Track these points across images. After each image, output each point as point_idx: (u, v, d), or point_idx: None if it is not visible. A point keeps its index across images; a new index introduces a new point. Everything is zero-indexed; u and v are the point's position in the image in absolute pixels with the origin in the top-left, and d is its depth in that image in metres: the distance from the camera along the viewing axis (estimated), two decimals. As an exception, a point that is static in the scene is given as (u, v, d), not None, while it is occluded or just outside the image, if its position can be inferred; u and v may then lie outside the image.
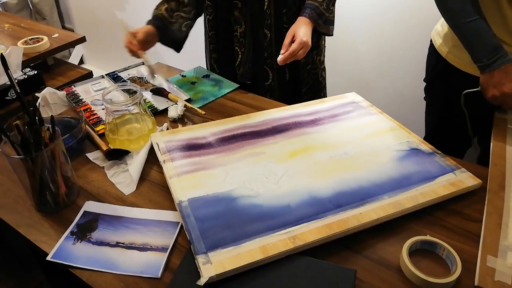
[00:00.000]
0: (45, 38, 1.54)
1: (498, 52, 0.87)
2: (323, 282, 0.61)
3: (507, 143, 0.89)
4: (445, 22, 1.08)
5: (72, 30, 3.10)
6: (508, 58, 0.87)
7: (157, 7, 1.18)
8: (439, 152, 0.86)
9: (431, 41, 1.17)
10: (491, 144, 0.89)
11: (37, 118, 0.75)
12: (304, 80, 1.26)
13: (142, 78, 1.24)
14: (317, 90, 1.32)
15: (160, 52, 2.61)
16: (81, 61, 3.11)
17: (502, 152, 0.86)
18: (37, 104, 1.00)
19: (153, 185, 0.83)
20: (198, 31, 2.36)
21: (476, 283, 0.62)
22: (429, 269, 0.64)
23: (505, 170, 0.81)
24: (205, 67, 1.33)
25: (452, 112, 1.13)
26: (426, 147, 0.88)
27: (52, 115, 0.77)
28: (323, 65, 1.32)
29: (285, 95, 1.24)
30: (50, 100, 1.04)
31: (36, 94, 1.04)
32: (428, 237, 0.67)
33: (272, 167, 0.82)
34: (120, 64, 1.33)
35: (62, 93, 1.09)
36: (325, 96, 1.36)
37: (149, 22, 1.14)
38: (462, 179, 0.78)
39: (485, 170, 0.82)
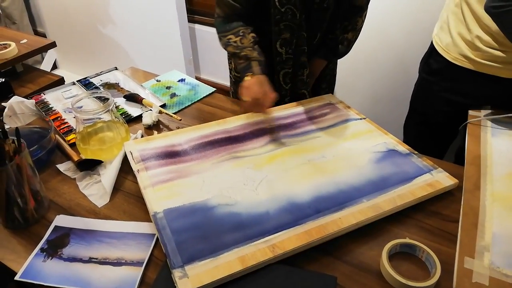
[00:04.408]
0: (13, 44, 1.48)
1: None
2: (304, 291, 0.60)
3: (481, 141, 0.90)
4: (454, 30, 1.05)
5: (44, 35, 3.01)
6: None
7: (243, 44, 0.99)
8: (416, 152, 0.86)
9: (432, 43, 1.16)
10: (466, 142, 0.90)
11: (0, 131, 0.71)
12: (325, 77, 1.26)
13: (117, 83, 1.21)
14: (332, 84, 1.33)
15: (131, 56, 2.56)
16: (54, 66, 3.02)
17: (477, 151, 0.87)
18: (3, 114, 0.96)
19: (128, 196, 0.80)
20: (173, 34, 2.33)
21: (454, 286, 0.62)
22: (409, 272, 0.64)
23: (480, 169, 0.82)
24: (179, 71, 1.30)
25: (446, 106, 1.13)
26: (402, 147, 0.88)
27: (16, 127, 0.74)
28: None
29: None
30: (18, 110, 1.00)
31: (3, 104, 1.00)
32: (407, 240, 0.67)
33: (250, 173, 0.80)
34: (96, 69, 1.29)
35: (31, 102, 1.04)
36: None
37: (257, 71, 0.96)
38: (439, 179, 0.79)
39: (462, 169, 0.83)
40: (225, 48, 1.04)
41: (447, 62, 1.04)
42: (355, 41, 1.14)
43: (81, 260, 0.67)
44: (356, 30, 1.11)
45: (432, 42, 1.13)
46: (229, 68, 1.27)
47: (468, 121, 0.97)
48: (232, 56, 1.03)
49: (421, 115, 1.20)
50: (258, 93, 0.92)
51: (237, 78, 1.24)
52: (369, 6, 1.09)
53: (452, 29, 1.02)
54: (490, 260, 0.64)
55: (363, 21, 1.11)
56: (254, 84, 0.93)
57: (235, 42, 0.99)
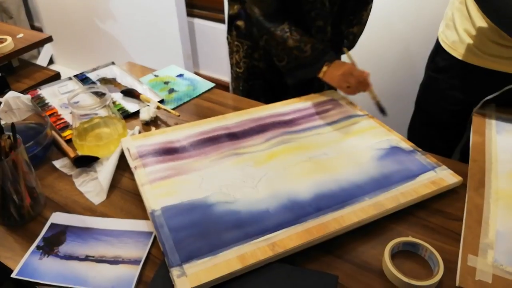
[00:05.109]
0: (9, 39, 1.46)
1: None
2: (305, 290, 0.59)
3: (486, 138, 0.89)
4: (460, 27, 1.03)
5: (41, 29, 2.98)
6: None
7: (299, 35, 0.99)
8: (420, 149, 0.85)
9: (437, 41, 1.14)
10: (470, 140, 0.89)
11: (-5, 126, 0.70)
12: None
13: (114, 78, 1.19)
14: None
15: (129, 51, 2.54)
16: (51, 61, 3.00)
17: (481, 148, 0.86)
18: (-2, 110, 0.95)
19: (125, 193, 0.79)
20: (171, 28, 2.31)
21: (457, 284, 0.61)
22: (412, 271, 0.63)
23: (485, 166, 0.81)
24: (178, 66, 1.29)
25: (454, 104, 1.11)
26: (406, 145, 0.86)
27: (12, 122, 0.72)
28: None
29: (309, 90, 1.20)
30: (14, 105, 0.98)
31: (-2, 99, 0.98)
32: (410, 238, 0.66)
33: (249, 170, 0.79)
34: (93, 64, 1.28)
35: (27, 97, 1.03)
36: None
37: (334, 57, 1.00)
38: (443, 176, 0.77)
39: (466, 166, 0.82)
40: (284, 42, 0.99)
41: (454, 59, 1.03)
42: (360, 35, 1.13)
43: (77, 258, 0.66)
44: (361, 24, 1.09)
45: (437, 40, 1.11)
46: (230, 64, 1.25)
47: (473, 113, 0.97)
48: (292, 49, 0.99)
49: (427, 115, 1.19)
50: (359, 76, 0.95)
51: (239, 74, 1.22)
52: (374, 4, 1.08)
53: (458, 26, 1.00)
54: (493, 258, 0.63)
55: (368, 15, 1.10)
56: (350, 69, 0.96)
57: (287, 36, 0.98)
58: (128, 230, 0.71)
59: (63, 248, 0.67)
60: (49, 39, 1.59)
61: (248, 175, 0.77)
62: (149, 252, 0.66)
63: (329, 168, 0.80)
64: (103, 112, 0.87)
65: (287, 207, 0.70)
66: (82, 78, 1.18)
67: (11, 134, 0.71)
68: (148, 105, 1.03)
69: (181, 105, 1.08)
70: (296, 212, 0.69)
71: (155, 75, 1.23)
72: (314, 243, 0.66)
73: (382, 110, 0.98)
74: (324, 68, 0.99)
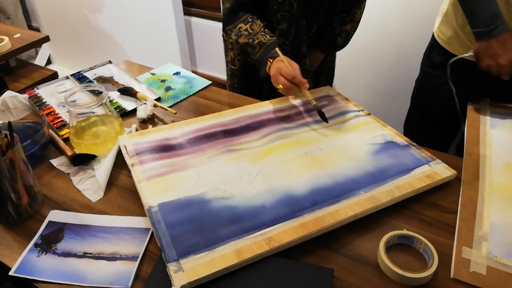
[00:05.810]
0: (6, 39, 1.47)
1: (497, 20, 0.84)
2: (300, 284, 0.59)
3: (481, 132, 0.89)
4: (455, 23, 1.04)
5: (39, 29, 2.98)
6: (506, 27, 0.85)
7: (254, 30, 0.98)
8: (414, 144, 0.86)
9: (433, 36, 1.15)
10: (465, 133, 0.89)
11: (-8, 125, 0.70)
12: (323, 70, 1.25)
13: (112, 76, 1.19)
14: (330, 77, 1.32)
15: (126, 50, 2.53)
16: (49, 62, 3.00)
17: (476, 141, 0.86)
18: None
19: (122, 190, 0.79)
20: (168, 27, 2.31)
21: (451, 275, 0.61)
22: (407, 264, 0.64)
23: (479, 159, 0.81)
24: (175, 64, 1.29)
25: (449, 99, 1.11)
26: (401, 139, 0.87)
27: (9, 121, 0.73)
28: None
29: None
30: (11, 105, 0.98)
31: (-5, 99, 0.99)
32: (404, 231, 0.66)
33: (246, 166, 0.79)
34: (90, 63, 1.28)
35: (24, 97, 1.03)
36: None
37: (276, 53, 0.95)
38: (437, 170, 0.78)
39: (460, 161, 0.82)
40: (237, 40, 1.02)
41: (450, 54, 1.03)
42: (353, 33, 1.13)
43: (75, 255, 0.66)
44: (354, 22, 1.09)
45: (433, 36, 1.11)
46: (226, 61, 1.26)
47: (468, 105, 0.97)
48: (245, 47, 1.00)
49: (423, 111, 1.19)
50: (287, 75, 0.90)
51: (234, 71, 1.22)
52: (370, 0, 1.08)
53: (454, 21, 1.01)
54: (488, 250, 0.64)
55: (361, 13, 1.10)
56: (278, 68, 0.91)
57: (245, 30, 0.98)
58: (126, 227, 0.71)
59: (61, 246, 0.68)
60: (46, 39, 1.59)
61: (244, 171, 0.78)
62: (146, 248, 0.67)
63: (325, 163, 0.80)
64: (100, 111, 0.87)
65: (283, 202, 0.71)
66: (79, 77, 1.18)
67: (8, 132, 0.71)
68: (145, 103, 1.03)
69: (177, 102, 1.09)
70: (292, 206, 0.70)
71: (152, 73, 1.23)
72: (310, 237, 0.66)
73: (321, 115, 0.91)
74: (268, 65, 0.96)
